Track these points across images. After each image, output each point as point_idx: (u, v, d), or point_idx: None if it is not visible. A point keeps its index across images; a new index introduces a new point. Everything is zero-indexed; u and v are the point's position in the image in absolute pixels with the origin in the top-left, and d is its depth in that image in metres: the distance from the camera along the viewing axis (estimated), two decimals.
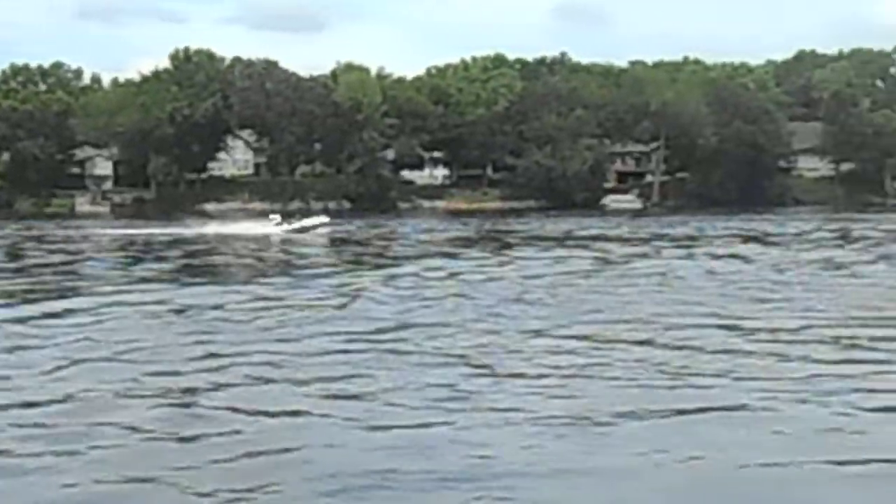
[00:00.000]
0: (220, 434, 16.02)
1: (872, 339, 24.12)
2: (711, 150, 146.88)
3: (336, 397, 18.53)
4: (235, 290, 36.11)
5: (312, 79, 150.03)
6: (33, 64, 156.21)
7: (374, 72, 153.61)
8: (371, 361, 21.64)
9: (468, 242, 67.25)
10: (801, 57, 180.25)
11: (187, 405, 17.97)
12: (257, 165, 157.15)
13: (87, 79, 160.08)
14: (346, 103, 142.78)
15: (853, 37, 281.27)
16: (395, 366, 21.20)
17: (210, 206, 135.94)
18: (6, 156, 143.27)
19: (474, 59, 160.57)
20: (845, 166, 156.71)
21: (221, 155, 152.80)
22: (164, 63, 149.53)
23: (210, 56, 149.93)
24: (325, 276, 42.92)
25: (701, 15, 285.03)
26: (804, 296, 33.46)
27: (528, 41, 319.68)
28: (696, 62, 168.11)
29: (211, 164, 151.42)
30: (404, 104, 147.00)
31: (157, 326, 26.88)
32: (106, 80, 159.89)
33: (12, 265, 52.34)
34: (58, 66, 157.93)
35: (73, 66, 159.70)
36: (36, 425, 16.51)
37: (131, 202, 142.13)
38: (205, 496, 13.41)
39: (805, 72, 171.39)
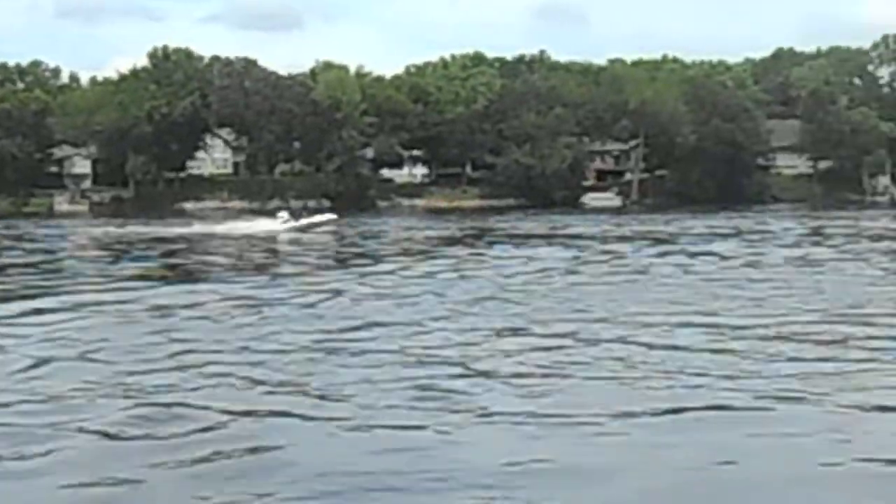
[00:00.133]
0: (193, 433, 15.89)
1: (856, 337, 24.09)
2: (690, 148, 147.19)
3: (309, 395, 18.42)
4: (214, 289, 35.96)
5: (291, 77, 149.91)
6: (11, 63, 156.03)
7: (353, 70, 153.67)
8: (346, 361, 21.55)
9: (447, 241, 67.18)
10: (779, 55, 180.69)
11: (160, 405, 17.81)
12: (236, 164, 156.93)
13: (65, 77, 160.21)
14: (325, 102, 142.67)
15: (831, 35, 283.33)
16: (370, 364, 21.11)
17: (189, 205, 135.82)
18: None
19: (453, 57, 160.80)
20: (823, 164, 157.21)
21: (200, 154, 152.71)
22: (143, 62, 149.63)
23: (189, 55, 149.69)
24: (306, 274, 42.86)
25: (679, 13, 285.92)
26: (785, 293, 33.45)
27: (507, 40, 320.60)
28: (675, 60, 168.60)
29: (190, 163, 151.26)
30: (383, 103, 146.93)
31: (132, 325, 26.73)
32: (84, 79, 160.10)
33: None
34: (36, 64, 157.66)
35: (52, 65, 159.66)
36: (3, 425, 16.34)
37: (110, 201, 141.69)
38: (181, 498, 13.32)
39: (783, 70, 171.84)
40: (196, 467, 14.37)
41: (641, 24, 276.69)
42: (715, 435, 15.89)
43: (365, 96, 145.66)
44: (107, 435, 15.92)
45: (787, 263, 45.84)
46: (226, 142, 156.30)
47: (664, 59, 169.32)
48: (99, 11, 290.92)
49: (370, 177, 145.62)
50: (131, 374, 20.20)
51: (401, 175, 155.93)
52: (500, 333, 25.15)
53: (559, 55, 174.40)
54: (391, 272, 42.82)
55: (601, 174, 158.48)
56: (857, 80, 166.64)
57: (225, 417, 16.81)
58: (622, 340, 23.77)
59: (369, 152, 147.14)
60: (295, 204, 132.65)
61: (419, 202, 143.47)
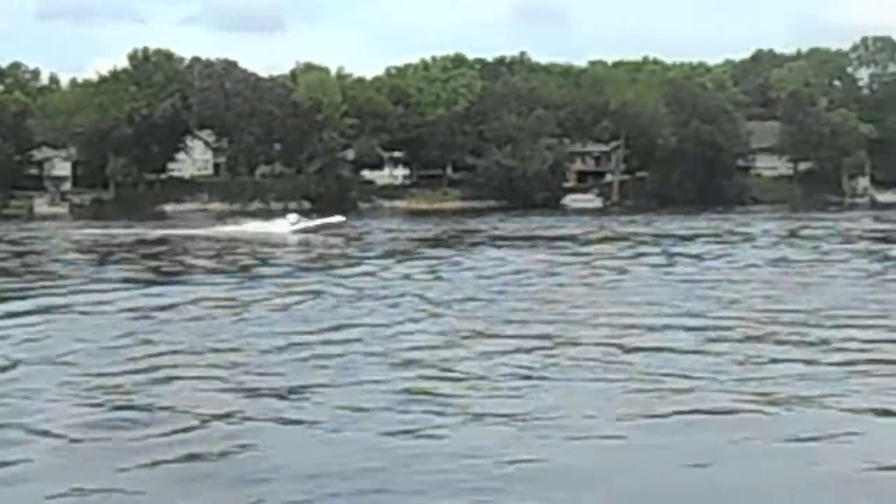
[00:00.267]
0: (164, 435, 15.82)
1: (838, 339, 24.13)
2: (670, 150, 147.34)
3: (291, 399, 18.38)
4: (194, 290, 35.90)
5: (272, 79, 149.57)
6: None
7: (333, 72, 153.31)
8: (326, 363, 21.50)
9: (428, 242, 67.14)
10: (758, 57, 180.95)
11: (129, 407, 17.69)
12: (217, 166, 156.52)
13: (44, 79, 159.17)
14: (305, 103, 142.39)
15: (810, 37, 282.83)
16: (352, 366, 21.07)
17: (169, 207, 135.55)
18: None
19: (434, 59, 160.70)
20: (803, 165, 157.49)
21: (180, 155, 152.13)
22: (123, 63, 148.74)
23: (169, 56, 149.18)
24: (287, 275, 42.80)
25: (660, 15, 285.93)
26: (766, 294, 33.53)
27: (487, 41, 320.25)
28: (655, 62, 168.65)
29: (170, 165, 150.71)
30: (364, 104, 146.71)
31: (107, 327, 26.61)
32: (64, 81, 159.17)
33: None
34: (16, 66, 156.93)
35: (31, 67, 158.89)
36: None
37: (90, 203, 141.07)
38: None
39: (763, 71, 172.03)
40: (172, 472, 14.31)
41: (622, 26, 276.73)
42: (704, 438, 15.88)
43: (346, 98, 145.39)
44: (69, 437, 15.84)
45: (768, 265, 45.97)
46: (206, 143, 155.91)
47: (644, 60, 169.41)
48: (79, 13, 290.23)
49: (351, 178, 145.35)
50: (101, 375, 20.12)
51: (382, 177, 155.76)
52: (480, 335, 25.15)
53: (540, 56, 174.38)
54: (372, 273, 42.84)
55: (582, 175, 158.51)
56: (836, 82, 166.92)
57: (199, 421, 16.72)
58: (604, 342, 23.77)
59: (350, 154, 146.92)
60: (275, 206, 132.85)
61: (400, 204, 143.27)
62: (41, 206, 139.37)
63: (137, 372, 20.52)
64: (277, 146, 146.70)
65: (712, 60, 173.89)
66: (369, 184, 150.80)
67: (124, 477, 13.98)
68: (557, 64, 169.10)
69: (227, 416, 17.07)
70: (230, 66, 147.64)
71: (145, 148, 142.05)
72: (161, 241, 69.50)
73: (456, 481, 13.77)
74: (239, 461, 14.76)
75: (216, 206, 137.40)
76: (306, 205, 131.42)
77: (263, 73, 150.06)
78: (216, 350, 22.94)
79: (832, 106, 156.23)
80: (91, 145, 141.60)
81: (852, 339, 23.95)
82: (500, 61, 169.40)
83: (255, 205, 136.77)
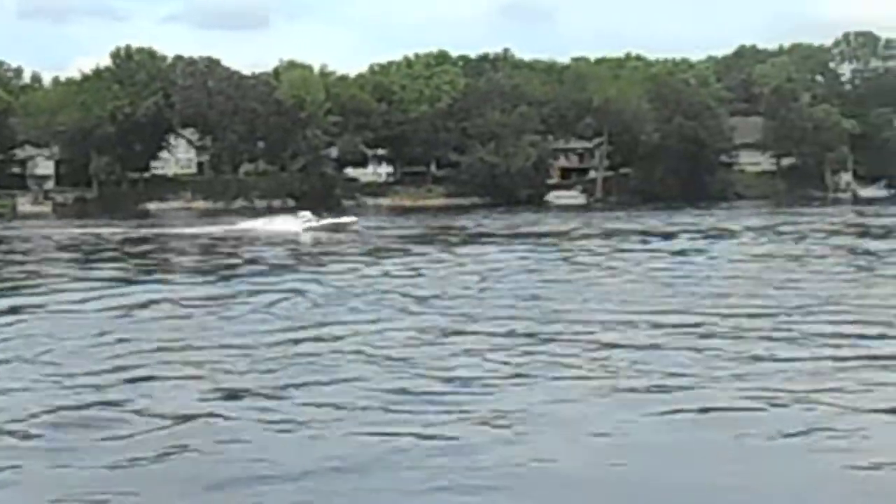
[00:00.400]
0: (135, 435, 15.77)
1: (825, 334, 24.15)
2: (653, 146, 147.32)
3: (261, 396, 18.32)
4: (173, 290, 35.85)
5: (255, 77, 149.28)
6: None
7: (316, 69, 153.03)
8: (300, 361, 21.47)
9: (413, 239, 67.07)
10: (741, 52, 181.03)
11: (103, 406, 17.62)
12: (200, 164, 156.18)
13: (27, 78, 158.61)
14: (288, 101, 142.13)
15: (793, 32, 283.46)
16: (327, 365, 21.06)
17: (152, 206, 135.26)
18: None
19: (417, 56, 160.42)
20: (786, 161, 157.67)
21: (164, 154, 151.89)
22: (106, 62, 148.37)
23: (151, 54, 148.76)
24: (270, 273, 42.78)
25: (642, 11, 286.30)
26: (751, 289, 33.56)
27: (470, 38, 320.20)
28: (638, 58, 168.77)
29: (153, 163, 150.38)
30: (347, 102, 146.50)
31: (84, 326, 26.54)
32: (47, 79, 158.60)
33: None
34: None
35: (14, 65, 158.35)
36: None
37: (73, 202, 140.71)
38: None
39: (745, 67, 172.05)
40: (142, 472, 14.25)
41: (605, 23, 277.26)
42: (701, 436, 15.89)
43: (329, 95, 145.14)
44: (39, 437, 15.81)
45: (753, 261, 46.02)
46: (189, 142, 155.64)
47: (627, 57, 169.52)
48: (61, 12, 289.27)
49: (335, 176, 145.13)
50: (76, 375, 20.04)
51: (365, 174, 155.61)
52: (465, 332, 25.14)
53: (523, 53, 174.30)
54: (355, 270, 42.82)
55: (565, 172, 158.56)
56: (819, 77, 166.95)
57: (174, 420, 16.67)
58: (592, 339, 23.76)
59: (333, 151, 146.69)
60: (259, 203, 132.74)
61: (384, 201, 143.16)
62: (24, 204, 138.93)
63: (113, 371, 20.46)
64: (261, 144, 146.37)
65: (695, 56, 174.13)
66: (353, 181, 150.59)
67: (96, 476, 13.95)
68: (540, 61, 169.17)
69: (204, 415, 17.02)
70: (213, 64, 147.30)
71: (128, 146, 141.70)
72: (146, 239, 69.29)
73: (443, 480, 13.74)
74: (217, 461, 14.69)
75: (200, 204, 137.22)
76: (290, 203, 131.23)
77: (246, 71, 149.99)
78: (195, 348, 22.90)
79: (815, 101, 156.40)
80: (74, 144, 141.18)
81: (840, 335, 23.98)
82: (484, 58, 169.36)
83: (239, 203, 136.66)
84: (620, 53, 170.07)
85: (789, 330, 24.87)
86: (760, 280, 36.98)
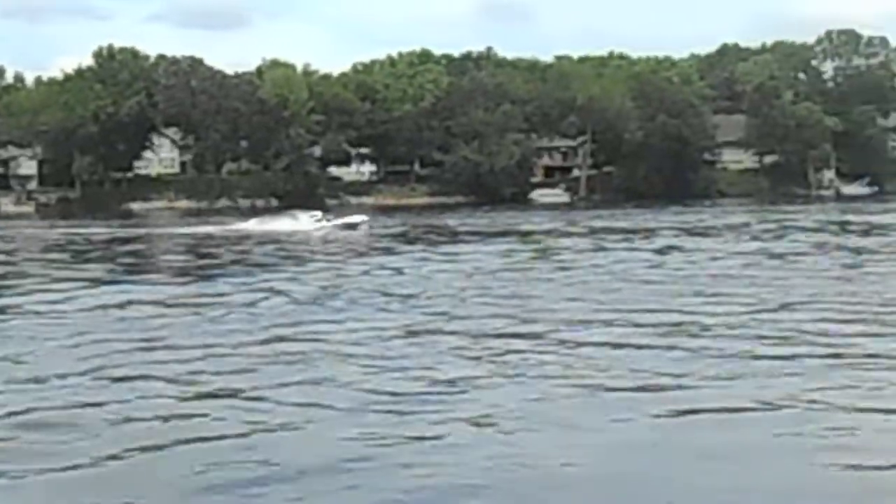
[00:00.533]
0: (105, 438, 15.70)
1: (812, 332, 24.16)
2: (637, 144, 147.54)
3: (239, 397, 18.25)
4: (149, 290, 35.77)
5: (238, 76, 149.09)
6: None
7: (299, 68, 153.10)
8: (285, 361, 21.43)
9: (396, 238, 67.04)
10: (724, 50, 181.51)
11: (76, 407, 17.55)
12: (183, 163, 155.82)
13: (9, 78, 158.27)
14: (272, 100, 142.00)
15: (776, 30, 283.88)
16: (307, 365, 21.01)
17: (136, 205, 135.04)
18: None
19: (400, 54, 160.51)
20: (769, 158, 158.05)
21: (147, 153, 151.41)
22: (88, 61, 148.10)
23: (134, 54, 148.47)
24: (252, 273, 42.66)
25: (625, 10, 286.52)
26: (735, 288, 33.56)
27: (453, 36, 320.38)
28: (621, 57, 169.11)
29: (136, 163, 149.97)
30: (331, 100, 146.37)
31: (64, 326, 26.45)
32: (29, 79, 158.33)
33: None
34: None
35: None
36: None
37: (56, 202, 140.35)
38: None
39: (728, 65, 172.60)
40: (129, 474, 14.22)
41: (588, 21, 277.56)
42: (699, 435, 15.81)
43: (312, 94, 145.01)
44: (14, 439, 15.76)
45: (737, 258, 46.04)
46: (172, 141, 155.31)
47: (610, 55, 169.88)
48: (43, 11, 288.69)
49: (318, 175, 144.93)
50: (49, 376, 19.94)
51: (349, 173, 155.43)
52: (445, 331, 25.11)
53: (506, 52, 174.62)
54: (338, 269, 42.78)
55: (549, 171, 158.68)
56: (801, 75, 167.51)
57: (149, 421, 16.62)
58: (579, 339, 23.66)
59: (317, 150, 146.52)
60: (243, 203, 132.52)
61: (368, 200, 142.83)
62: (7, 205, 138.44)
63: (90, 372, 20.34)
64: (244, 143, 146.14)
65: (678, 55, 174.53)
66: (337, 180, 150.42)
67: (77, 480, 13.90)
68: (524, 59, 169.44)
69: (184, 416, 16.98)
70: (196, 63, 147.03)
71: (111, 146, 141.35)
72: (133, 239, 69.19)
73: (428, 480, 13.71)
74: (195, 462, 14.62)
75: (183, 203, 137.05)
76: (274, 202, 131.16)
77: (229, 70, 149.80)
78: (175, 348, 22.83)
79: (797, 99, 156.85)
80: (57, 144, 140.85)
81: (828, 333, 23.95)
82: (467, 57, 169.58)
83: (223, 202, 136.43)
84: (603, 52, 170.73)
85: (775, 328, 24.87)
86: (744, 278, 37.01)
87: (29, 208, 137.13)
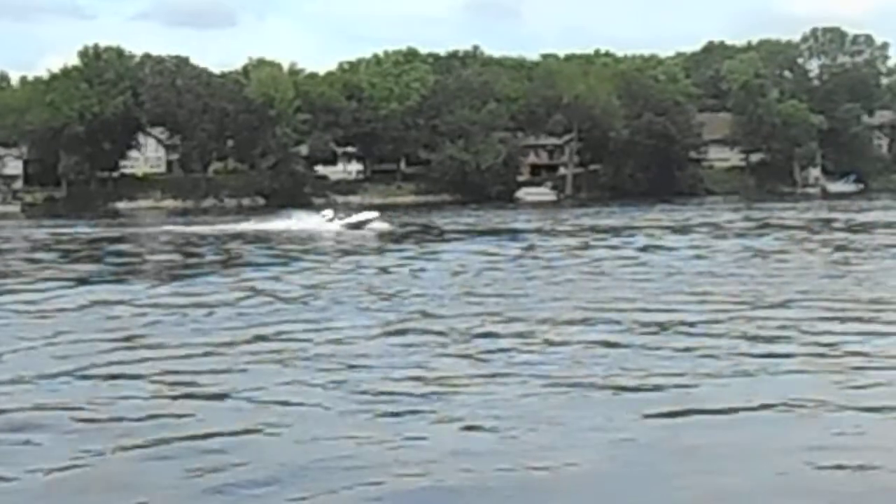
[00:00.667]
0: (86, 437, 15.64)
1: (801, 329, 24.16)
2: (623, 142, 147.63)
3: (223, 398, 18.20)
4: (141, 290, 35.74)
5: (224, 75, 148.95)
6: None
7: (286, 67, 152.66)
8: (270, 359, 21.39)
9: (382, 237, 66.99)
10: (710, 48, 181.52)
11: (55, 409, 17.50)
12: (169, 163, 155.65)
13: None
14: (258, 99, 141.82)
15: (761, 28, 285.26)
16: (292, 365, 20.97)
17: (122, 205, 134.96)
18: None
19: (386, 53, 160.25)
20: (755, 156, 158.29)
21: (133, 153, 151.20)
22: (74, 60, 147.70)
23: (120, 53, 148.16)
24: (234, 273, 42.59)
25: (611, 8, 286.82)
26: (725, 288, 33.56)
27: (439, 35, 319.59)
28: (607, 55, 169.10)
29: (123, 162, 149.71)
30: (317, 99, 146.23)
31: (43, 325, 26.38)
32: (14, 79, 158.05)
33: None
34: None
35: None
36: None
37: (42, 201, 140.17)
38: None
39: (714, 63, 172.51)
40: (114, 475, 14.17)
41: (573, 19, 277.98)
42: (695, 435, 15.75)
43: (298, 93, 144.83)
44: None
45: (723, 255, 46.09)
46: (158, 140, 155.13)
47: (596, 53, 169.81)
48: (29, 10, 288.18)
49: (305, 174, 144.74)
50: (26, 377, 19.89)
51: (335, 172, 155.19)
52: (430, 331, 25.07)
53: (492, 50, 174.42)
54: (322, 269, 42.74)
55: (535, 169, 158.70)
56: (787, 73, 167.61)
57: (127, 422, 16.57)
58: (568, 337, 23.65)
59: (303, 149, 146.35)
60: (229, 202, 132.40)
61: (354, 199, 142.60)
62: None
63: (69, 372, 20.28)
64: (230, 142, 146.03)
65: (664, 53, 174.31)
66: (323, 179, 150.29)
67: (61, 481, 13.85)
68: (510, 57, 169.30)
69: (165, 416, 16.92)
70: (182, 62, 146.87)
71: (97, 145, 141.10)
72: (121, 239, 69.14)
73: (415, 480, 13.68)
74: (180, 463, 14.56)
75: (169, 203, 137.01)
76: (260, 201, 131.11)
77: (215, 70, 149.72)
78: (155, 347, 22.78)
79: (783, 97, 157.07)
80: (42, 143, 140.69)
81: (819, 332, 23.94)
82: (453, 55, 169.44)
83: (209, 201, 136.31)
84: (589, 50, 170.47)
85: (763, 326, 24.89)
86: (732, 275, 37.06)
87: (15, 208, 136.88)
